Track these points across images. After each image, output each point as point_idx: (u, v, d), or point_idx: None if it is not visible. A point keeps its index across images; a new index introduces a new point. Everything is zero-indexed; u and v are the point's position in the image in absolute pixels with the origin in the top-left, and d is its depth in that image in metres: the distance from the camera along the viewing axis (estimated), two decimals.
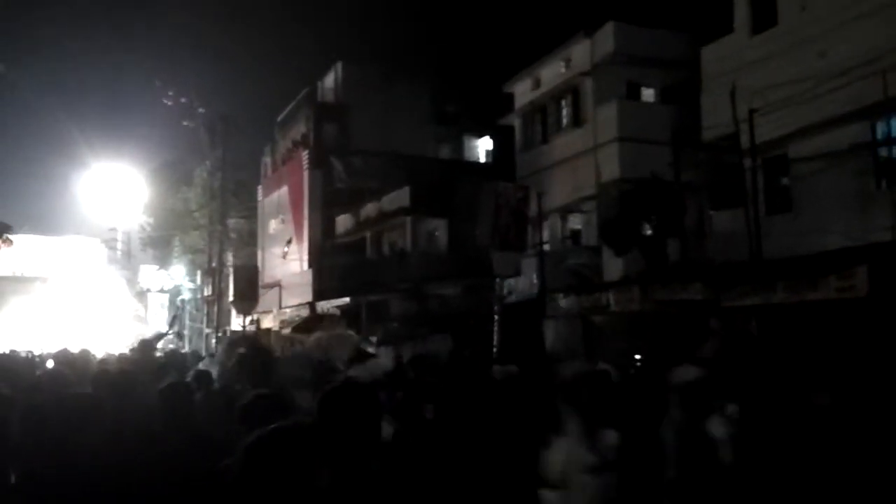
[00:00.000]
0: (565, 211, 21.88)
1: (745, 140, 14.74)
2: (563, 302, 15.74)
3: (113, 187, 41.87)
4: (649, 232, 16.48)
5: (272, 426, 2.21)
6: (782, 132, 14.79)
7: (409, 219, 25.98)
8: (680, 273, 13.61)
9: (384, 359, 15.89)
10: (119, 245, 43.96)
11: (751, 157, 14.71)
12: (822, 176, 14.50)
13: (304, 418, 2.71)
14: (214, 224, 38.08)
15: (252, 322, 36.50)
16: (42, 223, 48.77)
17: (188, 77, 36.85)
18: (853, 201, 13.94)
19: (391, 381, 6.67)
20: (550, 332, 16.66)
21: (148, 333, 35.87)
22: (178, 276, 44.16)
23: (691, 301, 12.20)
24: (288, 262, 32.71)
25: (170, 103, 34.53)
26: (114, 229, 44.70)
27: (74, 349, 13.95)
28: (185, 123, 36.33)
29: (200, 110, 35.95)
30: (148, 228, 44.06)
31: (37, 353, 15.58)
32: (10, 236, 25.70)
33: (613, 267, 18.01)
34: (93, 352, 14.38)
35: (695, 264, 14.31)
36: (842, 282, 9.88)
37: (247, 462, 2.10)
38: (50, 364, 10.16)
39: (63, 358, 8.46)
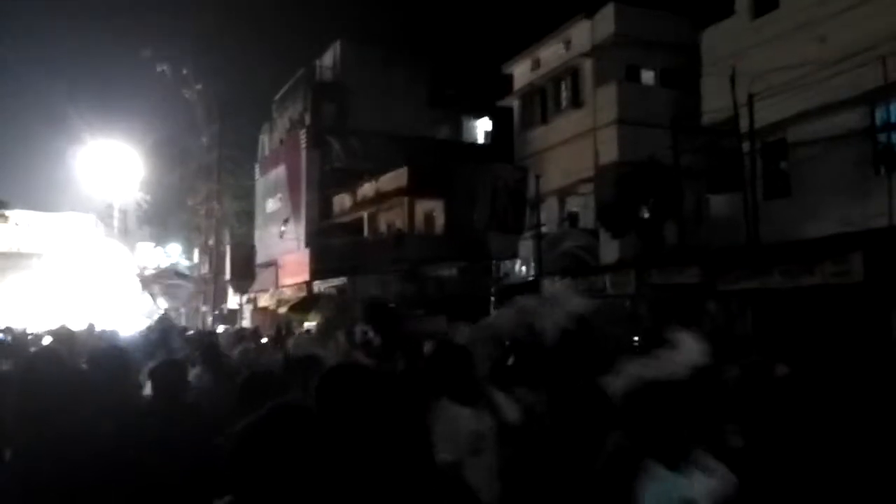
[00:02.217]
0: (563, 193, 21.86)
1: (744, 124, 14.72)
2: (560, 284, 15.75)
3: (109, 164, 41.73)
4: (647, 215, 16.48)
5: (271, 404, 2.20)
6: (781, 116, 14.76)
7: (406, 200, 25.93)
8: (676, 257, 13.62)
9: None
10: (115, 222, 43.91)
11: (749, 141, 14.69)
12: (820, 161, 14.49)
13: (302, 398, 2.71)
14: (211, 202, 38.07)
15: (249, 300, 36.56)
16: (39, 199, 48.67)
17: (186, 50, 36.44)
18: (851, 187, 13.94)
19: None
20: None
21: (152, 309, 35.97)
22: (175, 254, 44.15)
23: (687, 285, 12.23)
24: (285, 242, 32.70)
25: (162, 71, 34.37)
26: (110, 206, 44.64)
27: (74, 326, 14.00)
28: (185, 95, 36.23)
29: (198, 86, 35.83)
30: (144, 205, 43.98)
31: (33, 329, 15.57)
32: (5, 212, 25.66)
33: (610, 250, 18.03)
34: (94, 327, 14.46)
35: (692, 248, 14.33)
36: (837, 267, 9.91)
37: (244, 440, 2.09)
38: (47, 341, 10.17)
39: (61, 335, 8.47)
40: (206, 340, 9.73)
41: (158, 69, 34.23)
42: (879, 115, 14.46)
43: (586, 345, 5.84)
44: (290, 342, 9.97)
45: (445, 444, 3.73)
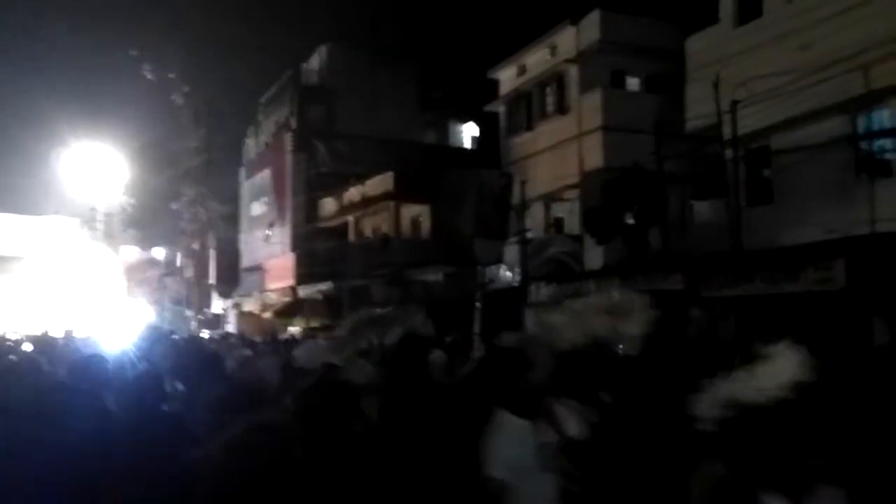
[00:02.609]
0: (549, 199, 21.91)
1: (728, 131, 14.81)
2: (545, 290, 15.78)
3: (93, 167, 41.42)
4: (632, 221, 16.54)
5: (252, 420, 2.19)
6: (765, 124, 14.87)
7: (392, 204, 25.91)
8: (661, 263, 13.68)
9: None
10: (99, 226, 43.58)
11: (733, 148, 14.78)
12: (803, 168, 14.60)
13: (280, 413, 2.70)
14: (196, 205, 37.88)
15: (233, 305, 36.38)
16: (21, 203, 48.12)
17: (172, 54, 36.32)
18: (833, 194, 14.06)
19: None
20: (531, 321, 16.71)
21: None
22: (159, 258, 43.87)
23: (671, 291, 12.27)
24: (270, 246, 32.59)
25: (151, 76, 34.26)
26: (94, 209, 44.28)
27: (56, 331, 13.84)
28: (173, 98, 36.08)
29: (184, 90, 35.69)
30: (129, 209, 43.66)
31: (14, 335, 15.41)
32: None
33: (595, 256, 18.08)
34: (74, 334, 14.32)
35: (676, 254, 14.39)
36: (820, 274, 9.97)
37: (227, 456, 2.08)
38: (27, 347, 10.06)
39: (41, 342, 8.37)
40: (207, 351, 9.65)
41: (145, 71, 34.10)
42: (862, 123, 14.60)
43: (665, 358, 5.44)
44: (299, 350, 9.72)
45: (503, 459, 3.56)
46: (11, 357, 6.96)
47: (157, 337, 12.83)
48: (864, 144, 14.63)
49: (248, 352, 10.30)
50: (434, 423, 4.48)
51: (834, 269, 9.75)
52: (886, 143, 14.22)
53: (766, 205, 15.62)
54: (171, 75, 34.97)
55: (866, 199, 12.90)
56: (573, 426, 3.78)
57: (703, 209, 18.10)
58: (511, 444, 3.50)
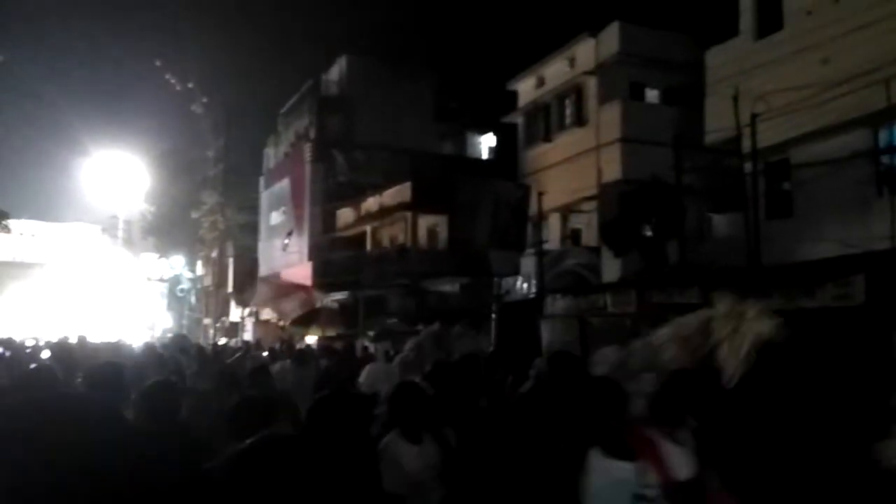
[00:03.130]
0: (566, 210, 21.87)
1: (747, 144, 14.72)
2: (561, 302, 15.71)
3: (114, 175, 41.89)
4: (649, 234, 16.47)
5: (264, 435, 2.21)
6: (784, 137, 14.77)
7: (409, 214, 25.96)
8: (677, 276, 13.59)
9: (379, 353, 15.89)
10: (119, 233, 44.03)
11: (752, 161, 14.69)
12: (822, 182, 14.48)
13: (291, 428, 2.71)
14: (215, 214, 38.17)
15: (251, 313, 36.56)
16: (43, 210, 48.72)
17: (193, 64, 36.78)
18: (853, 208, 13.92)
19: None
20: (547, 333, 16.65)
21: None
22: (178, 266, 44.23)
23: (688, 304, 12.17)
24: (288, 255, 32.73)
25: (178, 87, 34.72)
26: (115, 217, 44.76)
27: (73, 337, 13.98)
28: (193, 108, 36.48)
29: (204, 100, 36.08)
30: (149, 216, 44.11)
31: (33, 341, 15.58)
32: (7, 223, 25.74)
33: (612, 268, 18.00)
34: (89, 340, 14.46)
35: (693, 268, 14.29)
36: (839, 290, 9.83)
37: (237, 470, 2.09)
38: (45, 354, 10.17)
39: (59, 350, 8.46)
40: (258, 363, 9.68)
41: (170, 78, 34.56)
42: (883, 137, 14.47)
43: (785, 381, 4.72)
44: (365, 376, 9.41)
45: None
46: (32, 365, 7.04)
47: (183, 346, 12.94)
48: (885, 159, 14.49)
49: (287, 363, 10.33)
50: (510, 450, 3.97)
51: (853, 285, 9.61)
52: None
53: (785, 218, 15.49)
54: (190, 85, 35.39)
55: (886, 215, 12.76)
56: (683, 466, 3.32)
57: (721, 222, 17.99)
58: (606, 489, 3.14)
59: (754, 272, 12.70)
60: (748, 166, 14.81)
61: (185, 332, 36.80)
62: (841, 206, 14.09)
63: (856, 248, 12.08)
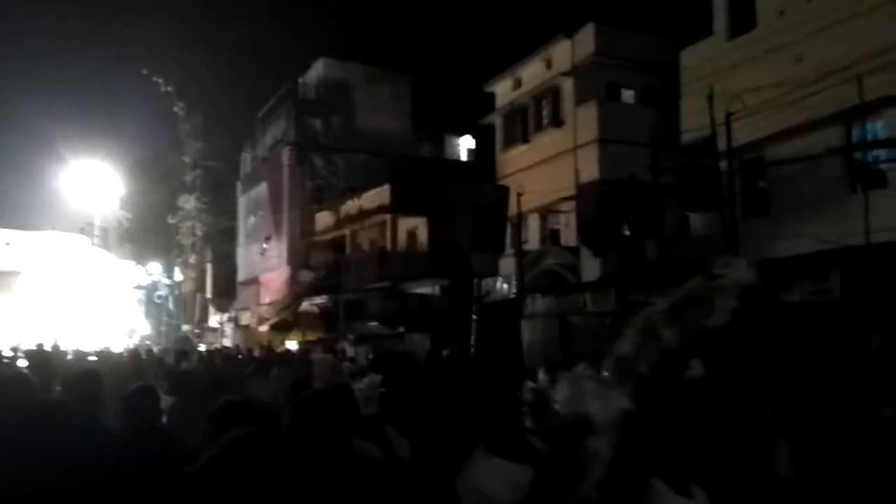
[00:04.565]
0: (545, 211, 21.95)
1: (722, 143, 14.86)
2: (541, 302, 15.76)
3: (91, 182, 41.46)
4: (627, 233, 16.57)
5: (238, 432, 2.19)
6: (759, 135, 14.93)
7: (389, 217, 25.94)
8: (656, 275, 13.68)
9: (360, 357, 15.85)
10: (95, 240, 43.55)
11: (728, 159, 14.83)
12: (797, 179, 14.65)
13: (270, 427, 2.68)
14: (193, 219, 37.90)
15: (230, 319, 36.32)
16: (19, 217, 48.14)
17: (171, 68, 36.62)
18: (828, 205, 14.09)
19: None
20: (528, 333, 16.69)
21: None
22: (156, 272, 43.81)
23: None
24: (267, 259, 32.57)
25: (163, 89, 34.61)
26: (90, 224, 44.25)
27: (48, 345, 13.80)
28: (175, 110, 36.28)
29: (181, 104, 35.87)
30: (125, 223, 43.67)
31: (11, 352, 15.36)
32: None
33: (591, 267, 18.09)
34: (64, 348, 14.31)
35: (672, 266, 14.40)
36: (816, 285, 9.95)
37: (204, 473, 2.07)
38: (23, 363, 10.04)
39: (34, 358, 8.35)
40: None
41: (155, 80, 34.46)
42: (856, 134, 14.66)
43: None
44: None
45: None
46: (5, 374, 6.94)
47: (185, 350, 12.87)
48: (858, 155, 14.69)
49: (285, 370, 10.25)
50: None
51: (830, 280, 9.73)
52: (881, 153, 14.28)
53: (761, 216, 15.65)
54: (169, 89, 35.18)
55: (861, 210, 12.93)
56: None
57: (698, 221, 18.14)
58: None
59: None
60: (724, 165, 14.95)
61: (164, 338, 36.50)
62: (816, 202, 14.26)
63: (831, 244, 12.24)
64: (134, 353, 15.93)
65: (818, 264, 10.52)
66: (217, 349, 20.06)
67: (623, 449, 2.79)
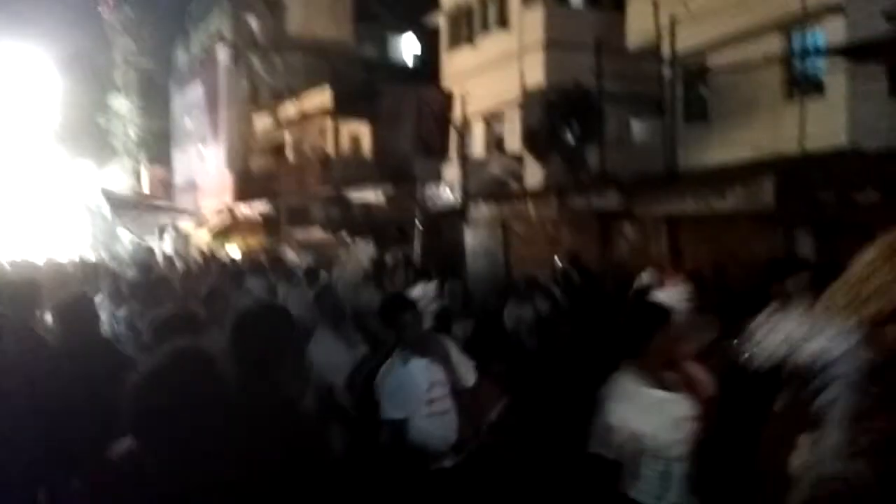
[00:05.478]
0: (490, 117, 21.77)
1: (667, 49, 14.84)
2: (485, 209, 15.88)
3: (16, 79, 39.38)
4: (571, 140, 16.60)
5: (168, 348, 2.19)
6: (702, 42, 14.94)
7: (330, 121, 25.41)
8: (597, 182, 13.86)
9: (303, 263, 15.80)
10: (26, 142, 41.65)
11: (671, 66, 14.85)
12: (737, 87, 14.79)
13: (213, 341, 2.68)
14: (124, 121, 36.47)
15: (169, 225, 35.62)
16: None
17: None
18: (765, 113, 14.33)
19: None
20: (471, 240, 16.87)
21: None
22: (89, 176, 42.35)
23: (607, 210, 12.51)
24: (205, 164, 31.79)
25: None
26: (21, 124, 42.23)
27: None
28: (99, 10, 34.31)
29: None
30: (55, 125, 41.78)
31: None
32: None
33: (535, 175, 18.18)
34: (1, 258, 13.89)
35: (613, 173, 14.57)
36: (748, 192, 10.24)
37: (141, 385, 2.08)
38: None
39: None
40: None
41: None
42: (796, 42, 14.77)
43: None
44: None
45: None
46: None
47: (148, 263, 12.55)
48: (797, 63, 14.85)
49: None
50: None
51: (762, 187, 10.02)
52: (819, 62, 14.46)
53: (701, 123, 15.85)
54: None
55: (797, 118, 13.17)
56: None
57: (640, 128, 18.29)
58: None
59: (670, 177, 13.07)
60: (667, 72, 14.97)
61: (100, 245, 35.65)
62: (754, 110, 14.48)
63: (766, 151, 12.54)
64: (81, 265, 15.56)
65: (752, 171, 10.81)
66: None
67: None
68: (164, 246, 32.61)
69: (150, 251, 18.72)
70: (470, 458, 4.13)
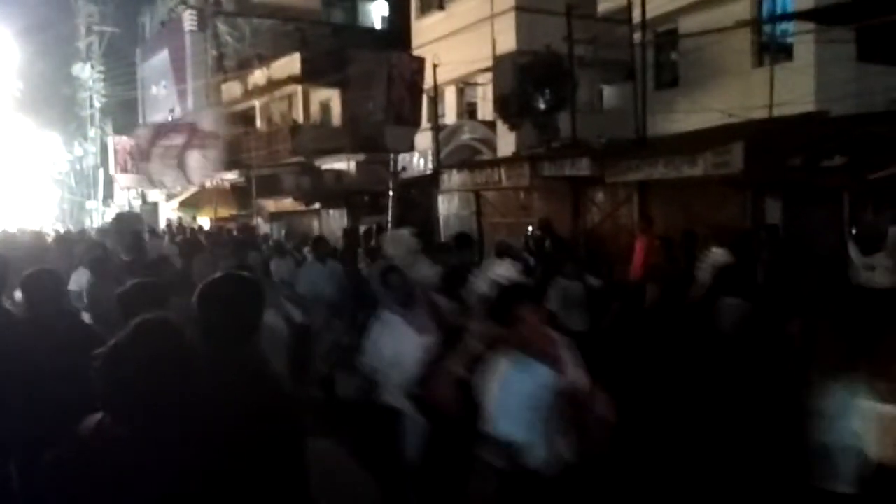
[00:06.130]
0: (462, 83, 21.60)
1: (637, 13, 14.79)
2: (457, 177, 15.82)
3: None
4: (543, 107, 16.53)
5: (137, 321, 2.17)
6: (674, 6, 14.92)
7: (299, 88, 25.07)
8: (568, 149, 13.86)
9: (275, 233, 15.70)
10: None
11: (642, 31, 14.80)
12: (707, 52, 14.83)
13: (179, 312, 2.66)
14: (89, 89, 35.67)
15: (138, 195, 35.14)
16: None
17: None
18: (735, 78, 14.39)
19: None
20: (444, 208, 16.85)
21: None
22: (54, 146, 41.51)
23: (578, 177, 12.53)
24: None
25: None
26: None
27: None
28: None
29: None
30: (17, 94, 40.76)
31: None
32: None
33: (507, 142, 18.12)
34: None
35: (585, 140, 14.57)
36: (718, 158, 10.29)
37: (109, 358, 2.07)
38: None
39: None
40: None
41: None
42: (766, 7, 14.82)
43: None
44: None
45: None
46: None
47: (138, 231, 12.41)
48: (767, 28, 14.90)
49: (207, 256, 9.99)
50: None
51: (732, 153, 10.08)
52: (789, 27, 14.53)
53: (672, 89, 15.87)
54: None
55: (766, 84, 13.26)
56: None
57: (612, 94, 18.28)
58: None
59: (640, 143, 13.11)
60: (638, 36, 14.94)
61: (68, 217, 35.06)
62: (724, 75, 14.53)
63: (736, 117, 12.61)
64: (58, 238, 15.28)
65: (721, 137, 10.87)
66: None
67: None
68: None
69: (139, 218, 18.36)
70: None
